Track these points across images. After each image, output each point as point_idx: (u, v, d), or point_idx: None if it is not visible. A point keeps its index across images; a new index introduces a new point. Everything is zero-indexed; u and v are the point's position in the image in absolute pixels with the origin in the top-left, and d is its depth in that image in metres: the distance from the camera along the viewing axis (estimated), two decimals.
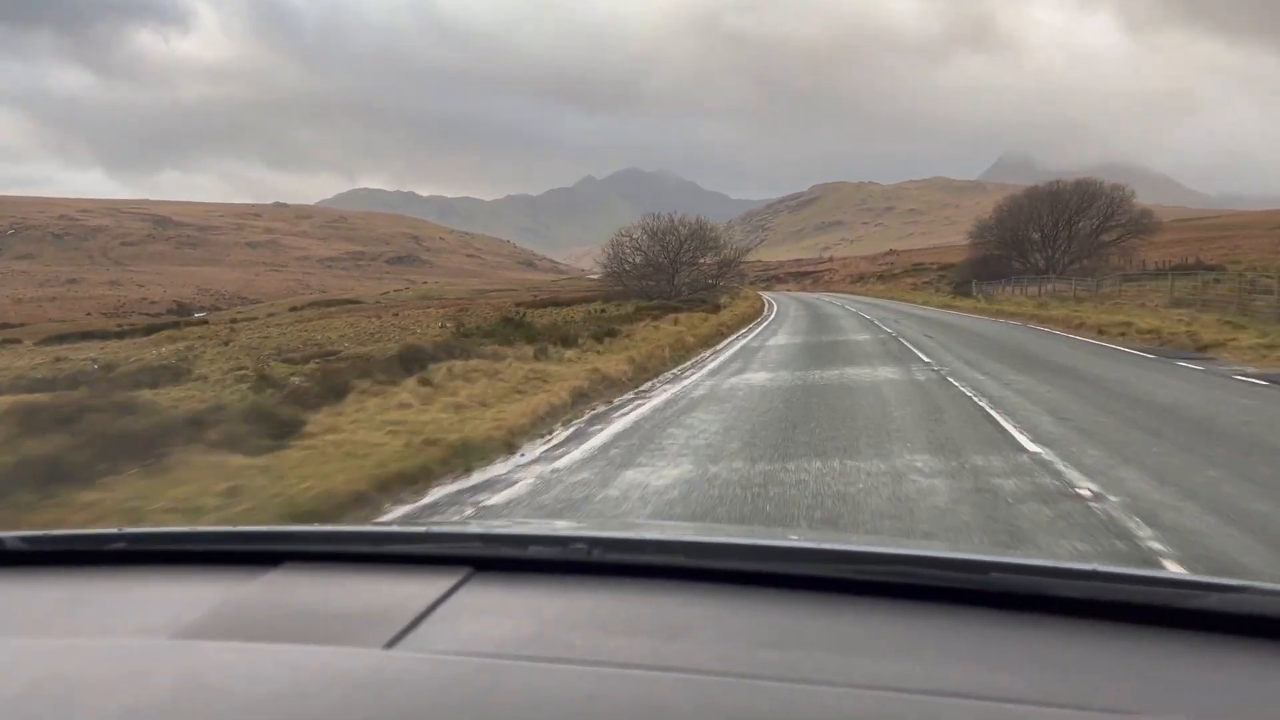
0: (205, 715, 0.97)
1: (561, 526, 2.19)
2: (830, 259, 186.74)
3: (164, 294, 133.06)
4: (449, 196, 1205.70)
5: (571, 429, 10.38)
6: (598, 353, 18.51)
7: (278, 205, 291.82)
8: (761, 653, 1.14)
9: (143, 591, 1.45)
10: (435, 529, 1.68)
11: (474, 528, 1.83)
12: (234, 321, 62.87)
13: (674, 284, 55.43)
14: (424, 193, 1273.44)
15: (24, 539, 1.61)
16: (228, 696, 1.01)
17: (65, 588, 1.47)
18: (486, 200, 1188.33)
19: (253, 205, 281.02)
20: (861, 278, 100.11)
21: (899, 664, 1.10)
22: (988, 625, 1.21)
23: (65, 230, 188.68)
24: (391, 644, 1.16)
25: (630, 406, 12.21)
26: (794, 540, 1.61)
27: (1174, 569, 4.62)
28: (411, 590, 1.34)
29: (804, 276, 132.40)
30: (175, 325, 62.71)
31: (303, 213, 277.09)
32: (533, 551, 1.47)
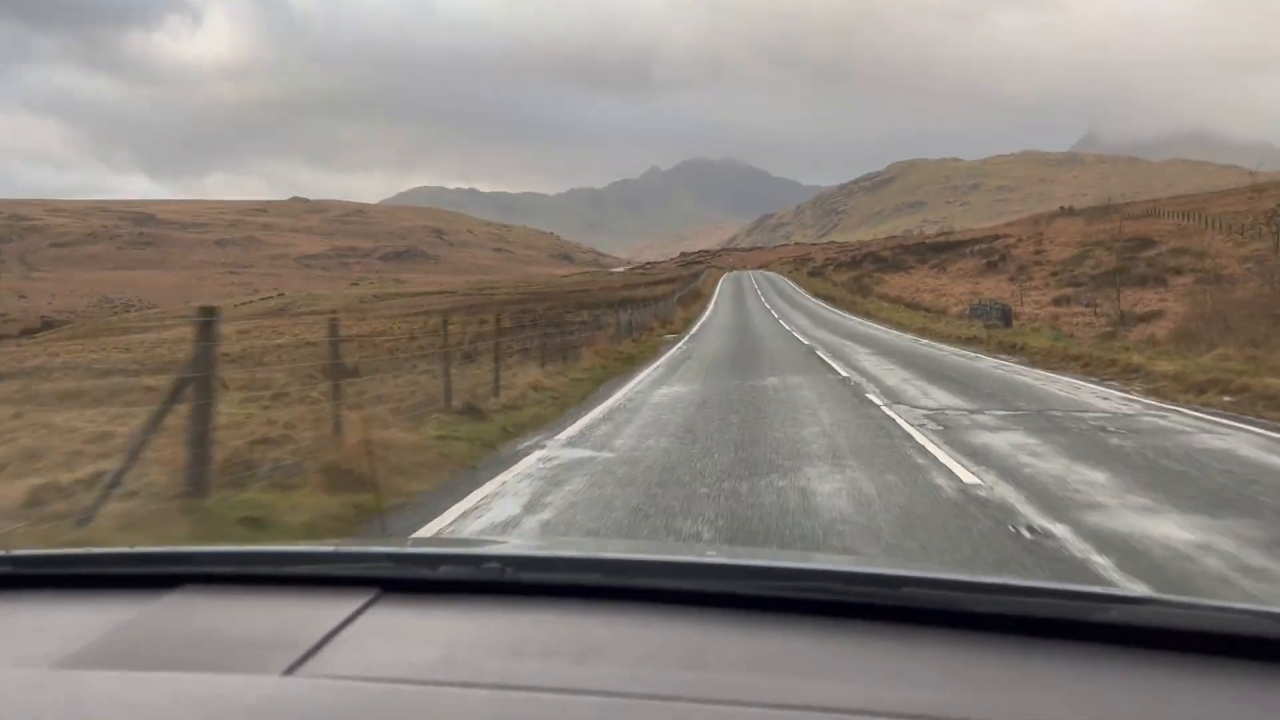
0: None
1: (476, 545, 2.09)
2: (946, 232, 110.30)
3: (49, 303, 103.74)
4: (512, 192, 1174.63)
5: None
6: None
7: (294, 200, 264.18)
8: (678, 673, 1.10)
9: (27, 618, 1.35)
10: (343, 548, 1.58)
11: (384, 546, 1.67)
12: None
13: None
14: (485, 189, 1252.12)
15: None
16: None
17: None
18: (550, 195, 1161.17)
19: (262, 202, 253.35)
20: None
21: (815, 682, 1.08)
22: (903, 641, 1.18)
23: None
24: (290, 670, 1.09)
25: None
26: (711, 557, 1.55)
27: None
28: (316, 613, 1.26)
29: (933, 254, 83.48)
30: None
31: (318, 208, 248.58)
32: (444, 571, 1.40)
